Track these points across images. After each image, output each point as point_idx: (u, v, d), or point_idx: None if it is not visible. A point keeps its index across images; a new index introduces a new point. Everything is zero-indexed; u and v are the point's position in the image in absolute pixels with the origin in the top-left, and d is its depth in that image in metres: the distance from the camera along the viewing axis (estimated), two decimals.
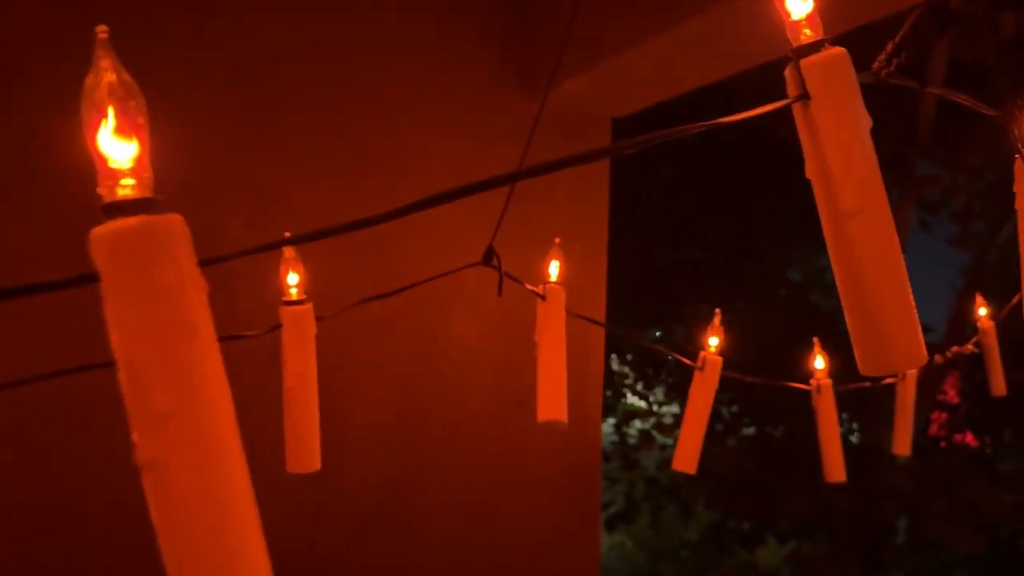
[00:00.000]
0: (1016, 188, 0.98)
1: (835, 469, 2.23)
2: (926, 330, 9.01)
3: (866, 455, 5.56)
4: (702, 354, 1.88)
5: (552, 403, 1.43)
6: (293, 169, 1.83)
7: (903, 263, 0.68)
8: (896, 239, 0.67)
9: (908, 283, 0.68)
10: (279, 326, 1.22)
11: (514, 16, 2.01)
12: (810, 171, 0.68)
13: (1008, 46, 4.30)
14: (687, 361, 1.90)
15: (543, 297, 1.51)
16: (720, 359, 1.89)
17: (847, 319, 0.69)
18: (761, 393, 6.51)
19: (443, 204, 0.63)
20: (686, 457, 1.86)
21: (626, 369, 7.54)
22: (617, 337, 6.22)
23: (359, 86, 1.93)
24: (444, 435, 1.85)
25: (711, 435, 6.24)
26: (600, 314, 2.00)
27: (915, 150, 5.07)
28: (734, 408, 7.01)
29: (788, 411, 6.01)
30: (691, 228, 7.36)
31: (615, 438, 6.64)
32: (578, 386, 1.97)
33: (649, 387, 7.49)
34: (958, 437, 9.73)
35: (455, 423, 1.86)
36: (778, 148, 6.44)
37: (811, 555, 4.90)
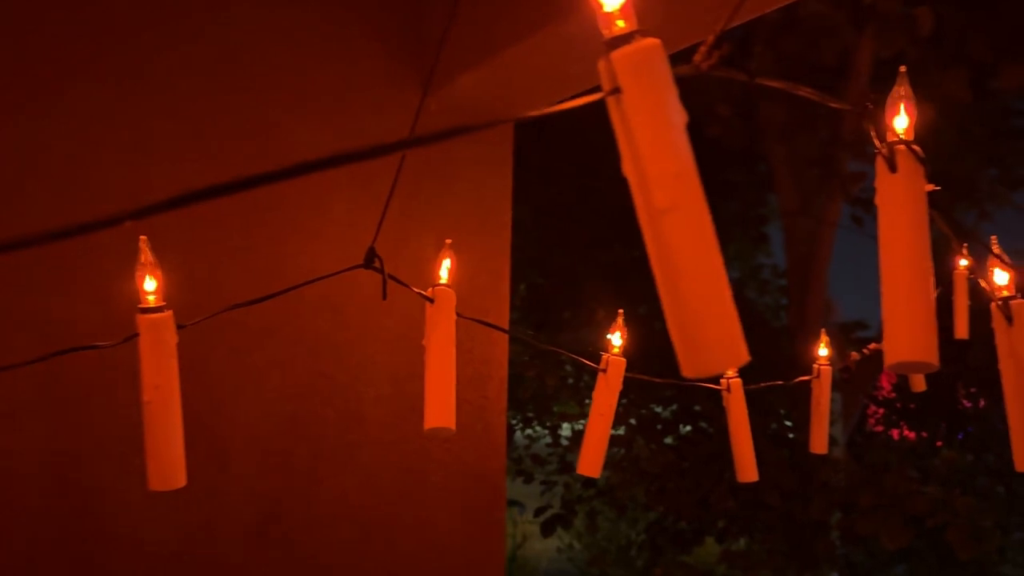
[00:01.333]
0: (876, 184, 0.98)
1: (747, 469, 2.24)
2: (861, 327, 9.23)
3: (803, 452, 5.68)
4: (605, 356, 1.88)
5: (439, 410, 1.41)
6: (169, 171, 1.78)
7: (719, 261, 0.67)
8: (712, 237, 0.66)
9: (725, 281, 0.67)
10: (135, 335, 1.18)
11: (410, 13, 1.99)
12: (626, 167, 0.67)
13: (926, 42, 4.44)
14: (589, 363, 1.90)
15: (431, 300, 1.49)
16: (623, 360, 1.89)
17: (667, 319, 0.68)
18: (700, 392, 6.60)
19: (305, 175, 0.60)
20: (590, 461, 1.85)
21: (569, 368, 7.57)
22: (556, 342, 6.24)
23: (240, 83, 1.89)
24: (337, 445, 1.82)
25: (651, 435, 6.30)
26: (503, 317, 1.98)
27: (841, 148, 5.19)
28: (674, 407, 7.08)
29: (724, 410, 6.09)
30: (621, 226, 7.44)
31: (549, 440, 6.67)
32: (480, 391, 1.96)
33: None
34: (896, 432, 9.99)
35: (348, 432, 1.82)
36: (709, 148, 6.54)
37: (746, 553, 4.97)
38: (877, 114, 0.96)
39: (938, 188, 1.02)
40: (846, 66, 5.30)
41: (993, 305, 1.32)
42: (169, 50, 1.80)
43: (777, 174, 6.06)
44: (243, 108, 1.87)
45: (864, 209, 7.11)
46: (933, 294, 0.96)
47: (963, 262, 1.94)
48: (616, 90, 0.65)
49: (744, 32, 4.76)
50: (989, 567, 9.18)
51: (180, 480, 1.21)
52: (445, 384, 1.43)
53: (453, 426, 1.40)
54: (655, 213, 0.65)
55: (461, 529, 1.89)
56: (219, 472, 1.75)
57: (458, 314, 1.50)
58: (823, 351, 2.49)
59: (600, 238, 7.49)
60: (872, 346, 3.16)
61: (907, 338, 0.92)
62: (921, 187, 0.97)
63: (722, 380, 2.24)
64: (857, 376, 6.84)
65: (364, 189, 1.88)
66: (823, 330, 2.54)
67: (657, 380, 2.06)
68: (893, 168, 0.97)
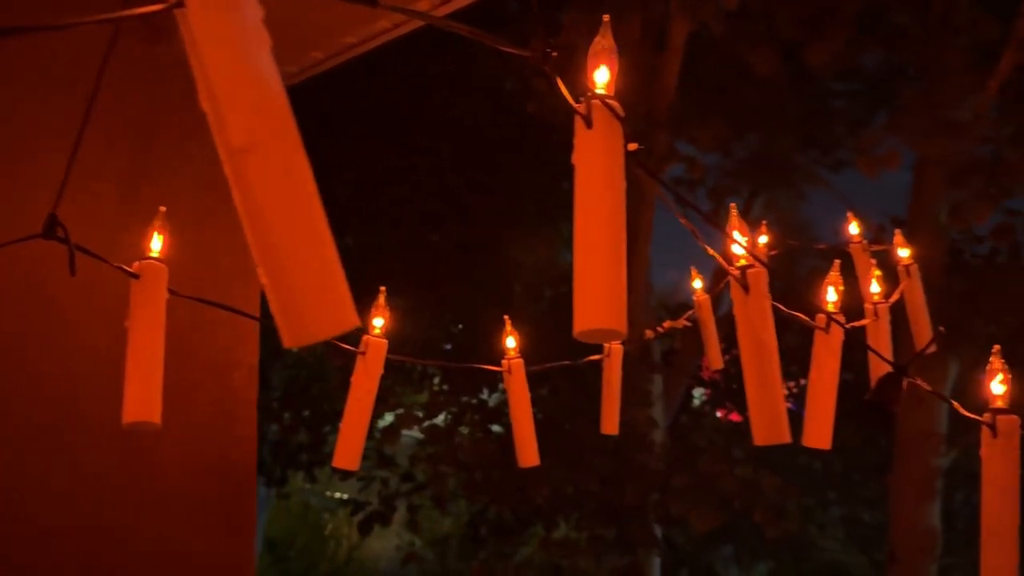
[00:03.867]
0: (575, 140, 0.95)
1: (528, 453, 2.24)
2: (687, 307, 9.63)
3: (626, 436, 5.84)
4: (364, 337, 1.81)
5: (140, 402, 1.29)
6: None
7: (317, 212, 0.60)
8: (307, 183, 0.59)
9: (326, 235, 0.60)
10: None
11: None
12: (203, 100, 0.59)
13: (736, 13, 4.61)
14: (348, 347, 1.83)
15: (136, 276, 1.36)
16: (385, 342, 1.82)
17: (263, 282, 0.60)
18: (531, 378, 6.65)
19: None
20: (347, 453, 1.78)
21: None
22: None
23: None
24: (50, 448, 1.65)
25: (476, 424, 6.30)
26: (253, 299, 1.86)
27: (655, 124, 5.35)
28: (501, 391, 7.11)
29: (553, 393, 6.14)
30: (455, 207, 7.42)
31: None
32: (223, 380, 1.84)
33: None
34: (721, 412, 10.53)
35: (64, 432, 1.66)
36: (538, 128, 6.60)
37: (564, 541, 5.07)
38: (565, 64, 0.93)
39: (641, 148, 1.01)
40: (663, 41, 5.47)
41: (731, 275, 1.34)
42: None
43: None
44: None
45: (689, 189, 7.40)
46: (624, 258, 0.94)
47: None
48: (178, 3, 0.57)
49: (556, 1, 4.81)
50: (808, 542, 9.88)
51: None
52: (149, 372, 1.31)
53: (157, 420, 1.29)
54: (233, 153, 0.58)
55: (203, 533, 1.77)
56: None
57: (173, 292, 1.39)
58: None
59: (400, 216, 7.44)
60: (667, 324, 3.25)
61: (596, 304, 0.89)
62: (618, 145, 0.95)
63: (504, 361, 2.23)
64: (680, 356, 7.11)
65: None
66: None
67: (420, 362, 2.02)
68: (589, 124, 0.94)
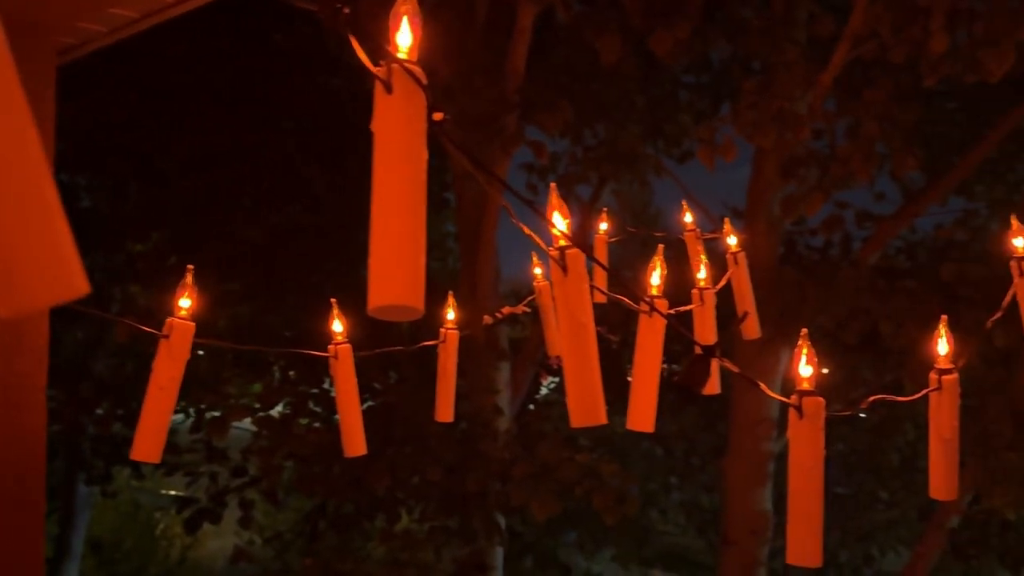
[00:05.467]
0: (374, 105, 0.92)
1: (354, 442, 2.20)
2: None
3: (470, 424, 5.86)
4: (169, 320, 1.72)
5: None
6: None
7: (38, 170, 0.55)
8: (29, 144, 0.54)
9: (53, 198, 0.55)
10: None
11: None
12: None
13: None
14: (150, 330, 1.73)
15: None
16: (192, 325, 1.74)
17: None
18: (370, 363, 6.57)
19: None
20: (148, 445, 1.69)
21: None
22: None
23: None
24: None
25: (314, 415, 6.16)
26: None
27: (503, 107, 5.36)
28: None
29: (401, 380, 6.07)
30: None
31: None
32: (6, 365, 1.69)
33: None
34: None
35: None
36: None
37: (405, 533, 5.04)
38: (363, 24, 0.89)
39: (446, 117, 0.99)
40: (511, 27, 5.49)
41: (550, 254, 1.35)
42: None
43: (448, 134, 6.11)
44: None
45: (540, 177, 7.47)
46: (423, 232, 0.92)
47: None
48: None
49: None
50: (649, 527, 10.26)
51: None
52: None
53: None
54: None
55: None
56: None
57: None
58: (451, 315, 2.51)
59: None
60: (506, 309, 3.27)
61: (391, 280, 0.87)
62: (419, 113, 0.92)
63: (330, 347, 2.18)
64: (528, 344, 7.20)
65: None
66: (450, 293, 2.56)
67: (235, 347, 1.95)
68: (388, 89, 0.91)
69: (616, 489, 4.64)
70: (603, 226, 2.89)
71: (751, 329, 2.54)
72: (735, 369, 1.36)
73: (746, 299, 2.53)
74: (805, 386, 1.42)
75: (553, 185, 1.41)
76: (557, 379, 10.53)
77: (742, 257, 2.54)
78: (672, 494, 10.28)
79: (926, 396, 1.68)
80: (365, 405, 6.56)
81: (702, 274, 2.22)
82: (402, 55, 0.93)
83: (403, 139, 0.90)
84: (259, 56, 7.05)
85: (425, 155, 0.92)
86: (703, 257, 2.27)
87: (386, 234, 0.88)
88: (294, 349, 2.28)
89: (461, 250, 7.03)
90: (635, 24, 4.94)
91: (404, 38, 0.94)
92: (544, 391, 9.96)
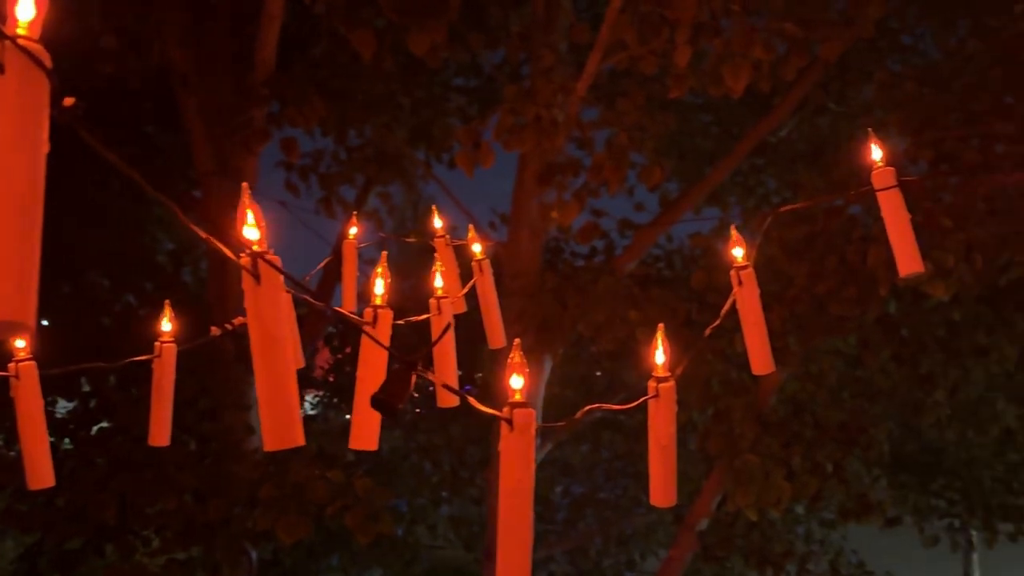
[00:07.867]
0: None
1: (39, 473, 2.02)
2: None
3: (217, 443, 5.58)
4: None
5: None
6: None
7: None
8: None
9: None
10: None
11: None
12: None
13: None
14: None
15: None
16: None
17: None
18: (100, 381, 6.11)
19: None
20: None
21: None
22: None
23: None
24: None
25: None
26: None
27: (251, 99, 5.18)
28: (74, 403, 6.46)
29: (141, 399, 5.68)
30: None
31: None
32: None
33: None
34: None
35: None
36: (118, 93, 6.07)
37: (135, 568, 4.73)
38: None
39: (77, 103, 0.90)
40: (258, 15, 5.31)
41: (242, 262, 1.29)
42: None
43: (192, 127, 5.83)
44: None
45: (301, 176, 7.26)
46: (38, 236, 0.83)
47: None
48: None
49: None
50: (417, 543, 10.26)
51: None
52: None
53: None
54: None
55: None
56: None
57: None
58: (167, 326, 2.35)
59: None
60: (238, 320, 3.13)
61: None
62: (39, 100, 0.83)
63: (10, 365, 1.98)
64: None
65: None
66: (167, 302, 2.40)
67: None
68: (0, 70, 0.82)
69: (368, 506, 4.55)
70: (352, 231, 2.84)
71: (496, 339, 2.57)
72: (437, 380, 1.35)
73: (491, 308, 2.56)
74: (517, 397, 1.42)
75: (245, 185, 1.33)
76: (321, 392, 10.34)
77: (487, 265, 2.56)
78: (441, 508, 10.33)
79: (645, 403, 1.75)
80: (96, 427, 6.13)
81: (439, 283, 2.22)
82: (21, 31, 0.84)
83: (15, 129, 0.81)
84: None
85: (45, 147, 0.83)
86: (439, 264, 2.27)
87: None
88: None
89: (209, 255, 6.72)
90: (391, 20, 4.90)
91: (24, 11, 0.85)
92: (306, 404, 9.74)
